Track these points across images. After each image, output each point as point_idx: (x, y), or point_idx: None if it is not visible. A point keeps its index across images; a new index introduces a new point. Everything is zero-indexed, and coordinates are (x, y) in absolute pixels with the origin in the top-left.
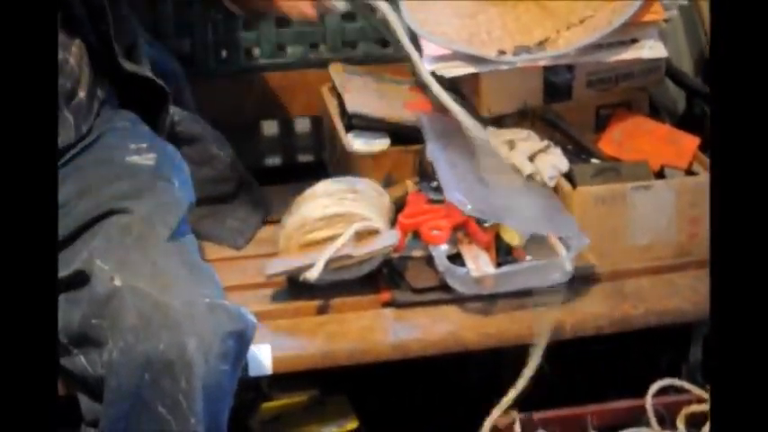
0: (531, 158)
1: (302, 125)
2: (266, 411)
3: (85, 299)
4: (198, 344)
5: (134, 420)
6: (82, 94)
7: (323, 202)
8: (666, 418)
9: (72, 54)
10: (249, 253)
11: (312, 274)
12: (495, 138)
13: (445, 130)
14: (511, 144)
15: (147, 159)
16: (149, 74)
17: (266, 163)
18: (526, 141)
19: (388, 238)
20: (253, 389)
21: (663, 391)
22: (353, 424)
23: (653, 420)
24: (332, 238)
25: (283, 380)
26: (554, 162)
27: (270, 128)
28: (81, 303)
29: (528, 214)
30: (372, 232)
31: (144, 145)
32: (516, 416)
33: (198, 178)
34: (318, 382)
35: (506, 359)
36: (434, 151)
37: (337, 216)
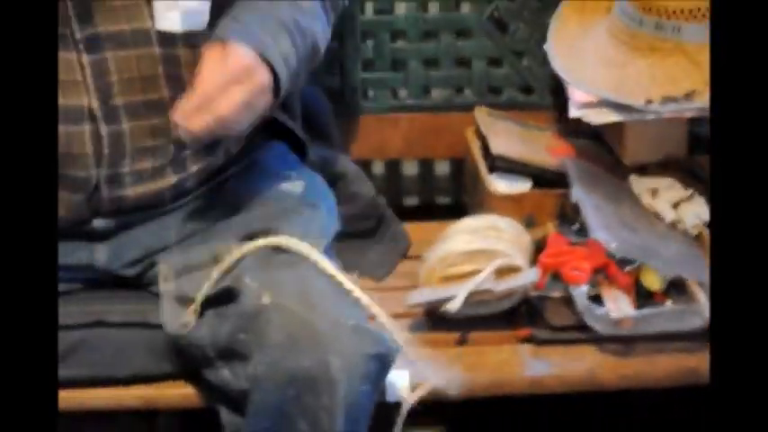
0: (674, 207)
1: (442, 167)
2: None
3: (234, 314)
4: (341, 363)
5: None
6: None
7: (466, 237)
8: None
9: None
10: (389, 285)
11: (453, 306)
12: (639, 185)
13: (590, 175)
14: (654, 192)
15: (296, 186)
16: (297, 130)
17: (404, 203)
18: (670, 190)
19: (529, 276)
20: (382, 419)
21: None
22: None
23: None
24: (473, 273)
25: (412, 414)
26: (697, 211)
27: (410, 168)
28: (229, 318)
29: (671, 258)
30: (513, 269)
31: (293, 173)
32: None
33: (340, 214)
34: (448, 419)
35: (639, 402)
36: (580, 194)
37: (479, 252)
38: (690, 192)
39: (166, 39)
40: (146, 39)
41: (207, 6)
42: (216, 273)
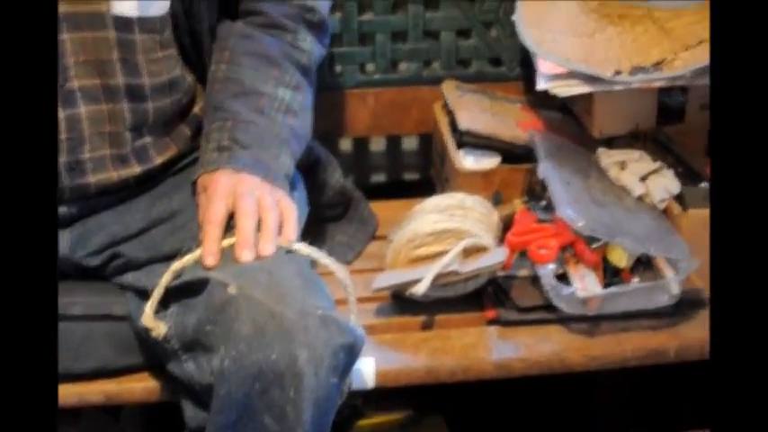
0: (643, 180)
1: (410, 143)
2: (362, 429)
3: (200, 306)
4: (309, 356)
5: (240, 429)
6: (197, 109)
7: (432, 217)
8: None
9: (188, 72)
10: (356, 267)
11: (419, 290)
12: (606, 158)
13: (558, 149)
14: (622, 165)
15: None
16: None
17: (372, 180)
18: (638, 162)
19: (496, 256)
20: (349, 405)
21: None
22: None
23: None
24: (440, 254)
25: (379, 398)
26: (665, 184)
27: (377, 144)
28: (196, 310)
29: (639, 234)
30: (480, 249)
31: None
32: None
33: (309, 201)
34: (414, 403)
35: (605, 380)
36: (547, 169)
37: (446, 232)
38: (658, 164)
39: (122, 23)
40: (102, 22)
41: None
42: (175, 266)
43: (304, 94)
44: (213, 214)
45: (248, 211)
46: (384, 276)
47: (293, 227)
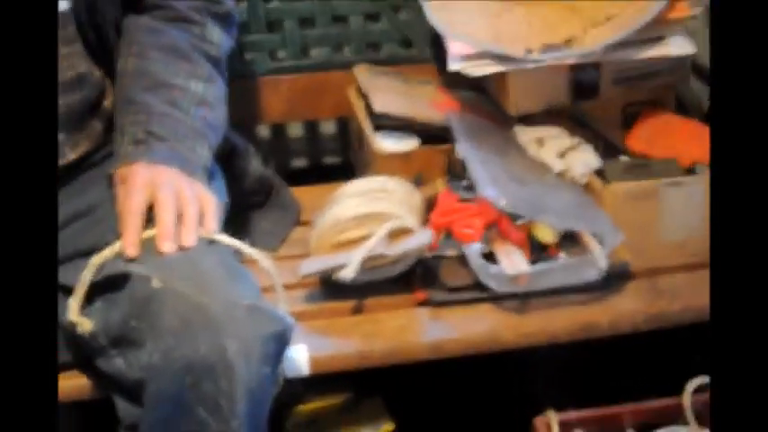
0: (562, 156)
1: (328, 127)
2: (301, 414)
3: (125, 300)
4: (239, 346)
5: (174, 424)
6: (107, 103)
7: (355, 201)
8: (704, 415)
9: (96, 67)
10: (281, 254)
11: (347, 274)
12: (524, 136)
13: (475, 129)
14: (540, 142)
15: None
16: None
17: (292, 165)
18: (556, 139)
19: (422, 237)
20: (287, 392)
21: (700, 389)
22: (389, 426)
23: (691, 418)
24: (364, 238)
25: (318, 382)
26: (585, 159)
27: (295, 130)
28: (120, 305)
29: (562, 210)
30: (405, 231)
31: None
32: (553, 415)
33: (229, 191)
34: (353, 385)
35: (539, 357)
36: (465, 149)
37: (370, 215)
38: (576, 140)
39: None
40: None
41: None
42: (96, 260)
43: (216, 86)
44: (132, 205)
45: (168, 203)
46: (310, 262)
47: (214, 218)
